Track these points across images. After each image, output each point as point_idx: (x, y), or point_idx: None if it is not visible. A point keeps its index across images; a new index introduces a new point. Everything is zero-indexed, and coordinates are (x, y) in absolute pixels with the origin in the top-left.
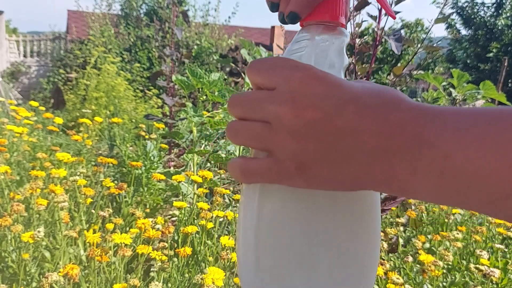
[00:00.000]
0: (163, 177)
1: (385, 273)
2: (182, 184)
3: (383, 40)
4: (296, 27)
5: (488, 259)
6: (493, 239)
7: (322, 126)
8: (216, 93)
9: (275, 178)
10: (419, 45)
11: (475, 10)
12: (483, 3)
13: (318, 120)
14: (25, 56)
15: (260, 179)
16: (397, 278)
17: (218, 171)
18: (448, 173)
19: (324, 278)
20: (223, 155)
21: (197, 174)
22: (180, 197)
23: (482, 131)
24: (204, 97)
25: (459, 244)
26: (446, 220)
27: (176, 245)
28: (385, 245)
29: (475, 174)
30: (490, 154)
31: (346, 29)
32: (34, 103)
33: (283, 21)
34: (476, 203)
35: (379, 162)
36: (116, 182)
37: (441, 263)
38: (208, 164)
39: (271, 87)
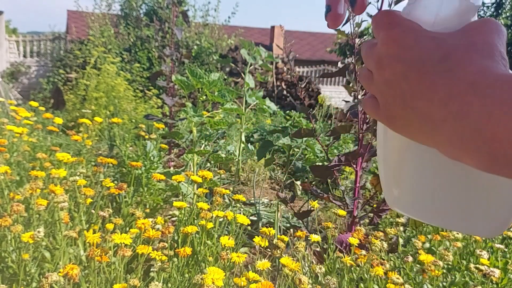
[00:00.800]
0: (163, 177)
1: (385, 273)
2: (182, 184)
3: None
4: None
5: (488, 259)
6: (493, 239)
7: (395, 86)
8: (216, 93)
9: (378, 118)
10: None
11: None
12: (483, 3)
13: (392, 80)
14: (25, 56)
15: (372, 115)
16: (397, 278)
17: (218, 171)
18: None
19: (451, 209)
20: (223, 155)
21: (197, 174)
22: (180, 197)
23: None
24: (204, 97)
25: (459, 244)
26: None
27: (176, 245)
28: (385, 245)
29: None
30: None
31: None
32: (34, 103)
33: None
34: None
35: (424, 130)
36: (116, 182)
37: (441, 263)
38: (208, 164)
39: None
